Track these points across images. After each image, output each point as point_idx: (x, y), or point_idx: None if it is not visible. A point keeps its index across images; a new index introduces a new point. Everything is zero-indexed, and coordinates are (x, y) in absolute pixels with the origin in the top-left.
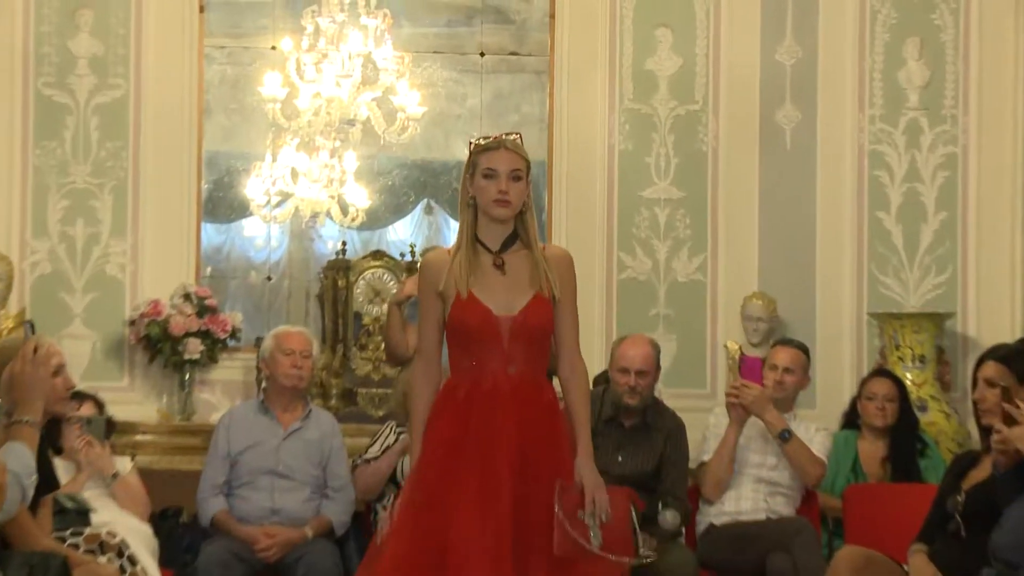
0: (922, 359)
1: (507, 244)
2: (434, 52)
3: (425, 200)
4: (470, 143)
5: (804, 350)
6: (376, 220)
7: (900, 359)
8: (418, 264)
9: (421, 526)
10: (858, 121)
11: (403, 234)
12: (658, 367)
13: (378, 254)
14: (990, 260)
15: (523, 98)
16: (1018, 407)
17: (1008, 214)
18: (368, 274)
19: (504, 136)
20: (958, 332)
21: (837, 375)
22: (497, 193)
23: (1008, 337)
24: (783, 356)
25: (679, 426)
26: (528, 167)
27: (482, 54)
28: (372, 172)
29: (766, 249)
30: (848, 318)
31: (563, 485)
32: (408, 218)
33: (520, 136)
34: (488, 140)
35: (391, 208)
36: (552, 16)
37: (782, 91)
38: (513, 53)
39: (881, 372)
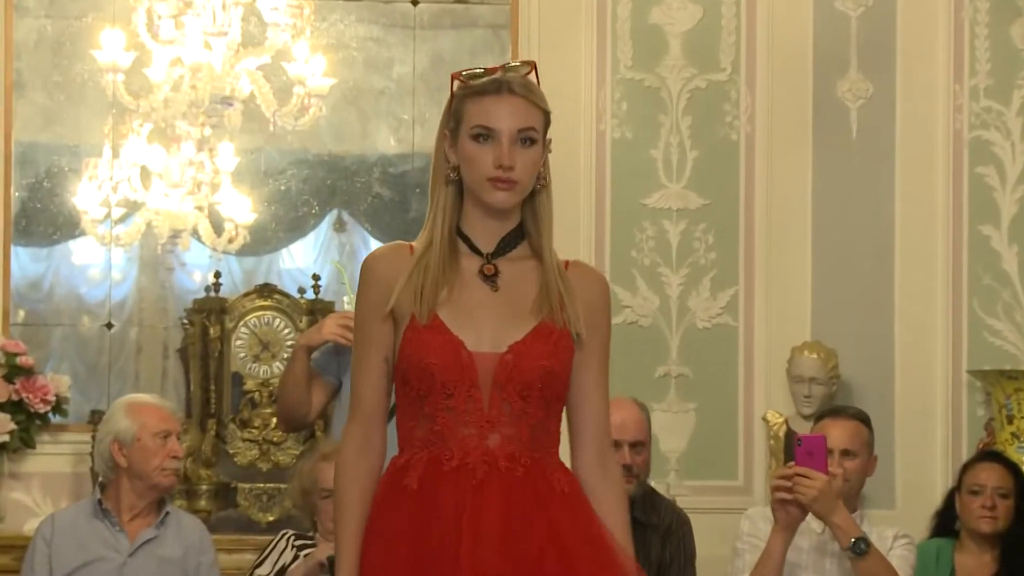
0: None
1: (506, 245)
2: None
3: (335, 212)
4: (453, 79)
5: (864, 420)
6: (264, 242)
7: (1015, 436)
8: (356, 277)
9: None
10: (954, 96)
11: (303, 261)
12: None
13: (267, 290)
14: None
15: (475, 64)
16: None
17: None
18: (252, 319)
19: (508, 70)
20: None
21: (925, 460)
22: (495, 167)
23: None
24: (837, 433)
25: (682, 522)
26: (547, 122)
27: (415, 2)
28: (257, 172)
29: (823, 282)
30: (941, 378)
31: None
32: (310, 237)
33: (535, 69)
34: (482, 76)
35: (285, 224)
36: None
37: (845, 54)
38: (460, 1)
39: (989, 456)
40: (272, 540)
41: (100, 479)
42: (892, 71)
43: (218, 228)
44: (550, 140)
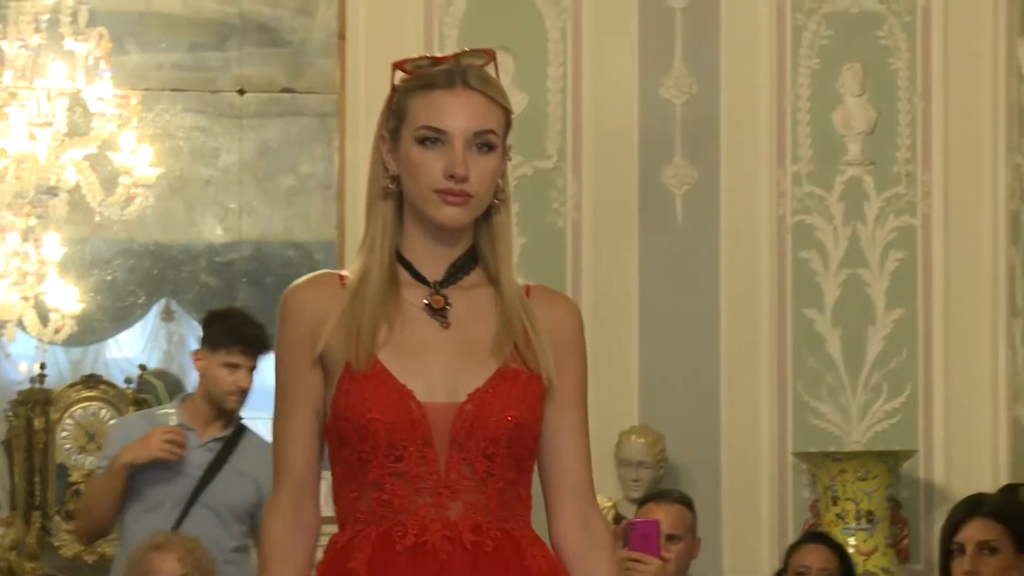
0: (870, 517)
1: (457, 272)
2: (172, 89)
3: (163, 301)
4: (395, 69)
5: (687, 503)
6: (90, 332)
7: (840, 517)
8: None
9: None
10: (777, 182)
11: (130, 351)
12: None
13: (93, 380)
14: (964, 376)
15: (302, 153)
16: None
17: (989, 311)
18: (78, 410)
19: (463, 57)
20: (919, 478)
21: (751, 542)
22: (445, 177)
23: (989, 483)
24: (661, 517)
25: None
26: (508, 124)
27: (241, 91)
28: (83, 263)
29: (650, 366)
30: (767, 460)
31: None
32: (137, 327)
33: (494, 59)
34: (429, 65)
35: (112, 314)
36: (342, 36)
37: (670, 141)
38: (287, 90)
39: (814, 537)
40: None
41: None
42: (716, 157)
43: (44, 318)
44: (510, 146)
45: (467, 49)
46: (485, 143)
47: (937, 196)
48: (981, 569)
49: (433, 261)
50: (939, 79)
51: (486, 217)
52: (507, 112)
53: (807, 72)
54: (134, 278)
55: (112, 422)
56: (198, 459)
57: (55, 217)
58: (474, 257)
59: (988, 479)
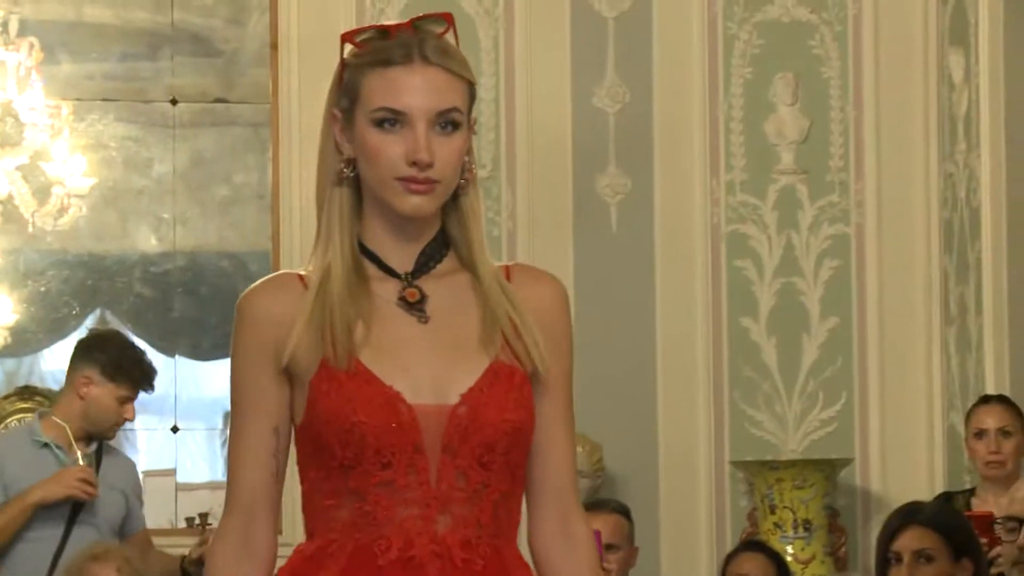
0: (807, 525)
1: (427, 260)
2: (104, 99)
3: (98, 311)
4: (343, 41)
5: (624, 512)
6: (24, 343)
7: (777, 526)
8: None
9: None
10: (711, 191)
11: (65, 361)
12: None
13: (28, 391)
14: (898, 385)
15: (235, 163)
16: None
17: (923, 320)
18: (13, 421)
19: (419, 28)
20: (856, 486)
21: (689, 551)
22: (408, 164)
23: (926, 491)
24: (598, 527)
25: None
26: (472, 97)
27: (174, 101)
28: (17, 273)
29: (585, 375)
30: (704, 469)
31: None
32: (72, 338)
33: (452, 24)
34: (381, 36)
35: (46, 325)
36: (274, 46)
37: (604, 150)
38: (219, 100)
39: (751, 545)
40: None
41: None
42: (650, 166)
43: None
44: (475, 119)
45: (420, 15)
46: (449, 122)
47: (870, 204)
48: None
49: (400, 251)
50: (871, 88)
51: (454, 198)
52: (471, 85)
53: (739, 81)
54: (68, 289)
55: None
56: None
57: None
58: (444, 242)
59: (924, 487)
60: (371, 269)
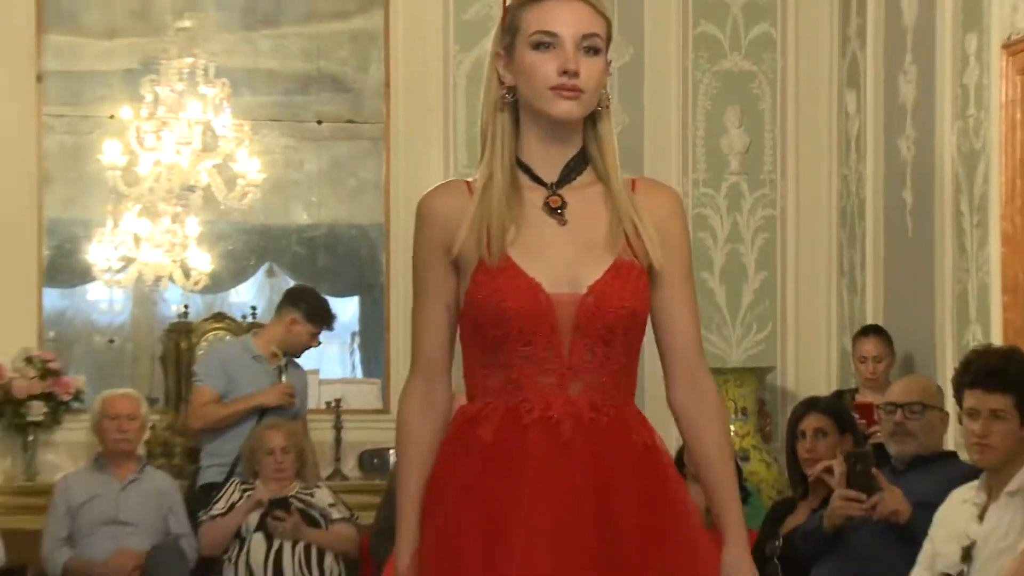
0: (744, 411)
1: (569, 173)
2: (272, 120)
3: (267, 264)
4: None
5: None
6: (218, 284)
7: None
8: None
9: None
10: (682, 185)
11: (245, 297)
12: None
13: (220, 316)
14: (807, 317)
15: (360, 165)
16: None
17: (824, 273)
18: (210, 336)
19: None
20: (778, 385)
21: (665, 426)
22: (559, 74)
23: (824, 389)
24: None
25: None
26: (609, 34)
27: (319, 122)
28: (213, 237)
29: None
30: None
31: None
32: (250, 282)
33: None
34: None
35: (233, 272)
36: (387, 85)
37: None
38: (350, 121)
39: None
40: (225, 486)
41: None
42: (640, 170)
43: (187, 275)
44: (610, 60)
45: None
46: (592, 46)
47: (791, 196)
48: (817, 448)
49: (548, 163)
50: (792, 117)
51: (592, 124)
52: (608, 23)
53: (703, 111)
54: (247, 248)
55: (215, 349)
56: (272, 378)
57: (193, 206)
58: (584, 160)
59: (823, 387)
60: (523, 179)
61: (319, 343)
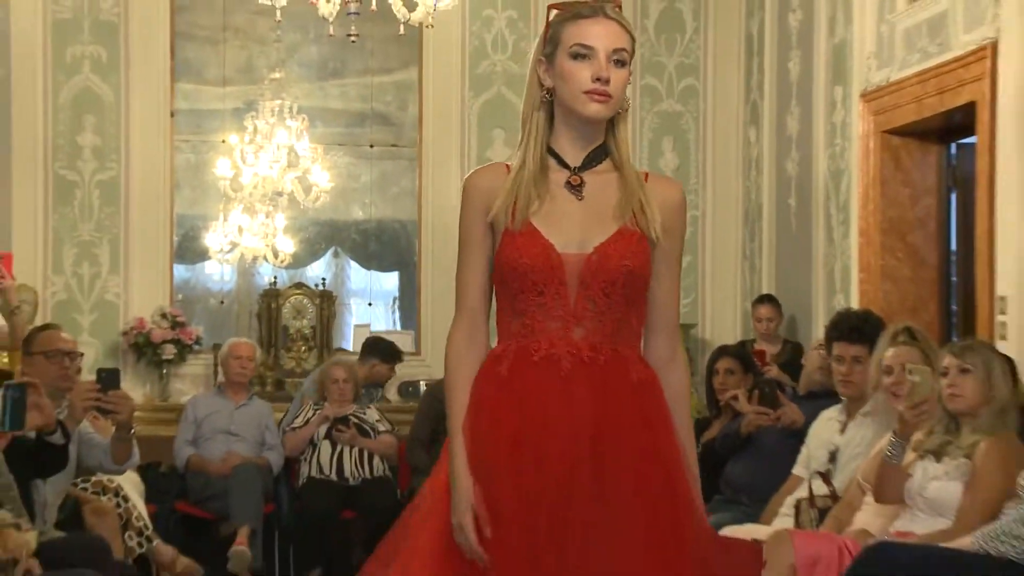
0: None
1: (591, 160)
2: (337, 144)
3: (333, 248)
4: (549, 10)
5: None
6: (298, 262)
7: None
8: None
9: (452, 559)
10: None
11: (317, 272)
12: None
13: (299, 285)
14: (720, 289)
15: (400, 177)
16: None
17: (732, 257)
18: (292, 299)
19: (602, 0)
20: (699, 337)
21: None
22: (592, 80)
23: (732, 339)
24: None
25: None
26: (633, 49)
27: (371, 146)
28: (295, 229)
29: None
30: None
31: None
32: (321, 260)
33: (620, 5)
34: (578, 4)
35: (308, 253)
36: (420, 120)
37: None
38: (393, 145)
39: None
40: (300, 406)
41: (219, 377)
42: None
43: (276, 255)
44: (632, 71)
45: None
46: (620, 59)
47: (708, 202)
48: (727, 382)
49: (575, 152)
50: (710, 145)
51: (612, 123)
52: (633, 40)
53: (647, 140)
54: (318, 236)
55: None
56: None
57: (280, 206)
58: (604, 151)
59: (730, 338)
60: (552, 163)
61: (395, 373)
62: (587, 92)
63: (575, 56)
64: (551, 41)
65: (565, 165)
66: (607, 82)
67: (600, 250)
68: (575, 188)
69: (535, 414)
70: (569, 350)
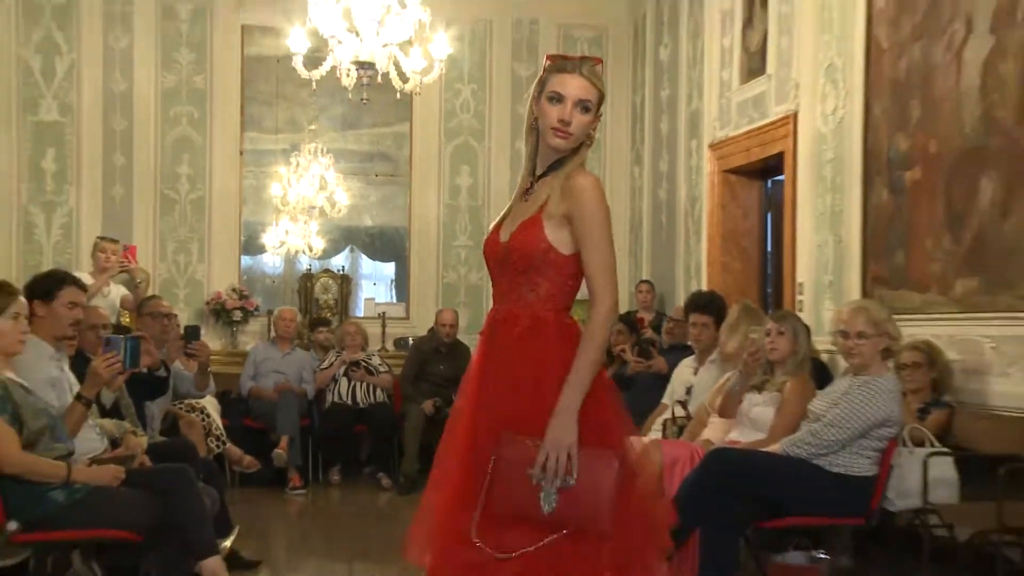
0: (582, 322)
1: (546, 172)
2: (353, 175)
3: (350, 246)
4: (546, 59)
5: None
6: (326, 255)
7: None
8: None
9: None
10: None
11: (339, 262)
12: None
13: (326, 271)
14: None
15: (397, 198)
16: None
17: (623, 255)
18: (321, 280)
19: (582, 59)
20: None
21: None
22: (557, 120)
23: (622, 310)
24: None
25: None
26: (601, 99)
27: (376, 175)
28: (324, 231)
29: None
30: None
31: (510, 437)
32: (341, 254)
33: (601, 63)
34: (564, 61)
35: (333, 249)
36: (410, 159)
37: None
38: (391, 175)
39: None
40: (328, 354)
41: (271, 333)
42: None
43: (311, 250)
44: (602, 114)
45: (584, 55)
46: (585, 107)
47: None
48: (619, 340)
49: (543, 166)
50: (609, 178)
51: (576, 149)
52: (601, 93)
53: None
54: (341, 237)
55: None
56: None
57: (314, 216)
58: (561, 164)
59: (622, 309)
60: (528, 178)
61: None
62: (553, 128)
63: (551, 99)
64: (540, 83)
65: (532, 176)
66: (568, 124)
67: (510, 240)
68: (527, 193)
69: (472, 366)
70: (496, 317)
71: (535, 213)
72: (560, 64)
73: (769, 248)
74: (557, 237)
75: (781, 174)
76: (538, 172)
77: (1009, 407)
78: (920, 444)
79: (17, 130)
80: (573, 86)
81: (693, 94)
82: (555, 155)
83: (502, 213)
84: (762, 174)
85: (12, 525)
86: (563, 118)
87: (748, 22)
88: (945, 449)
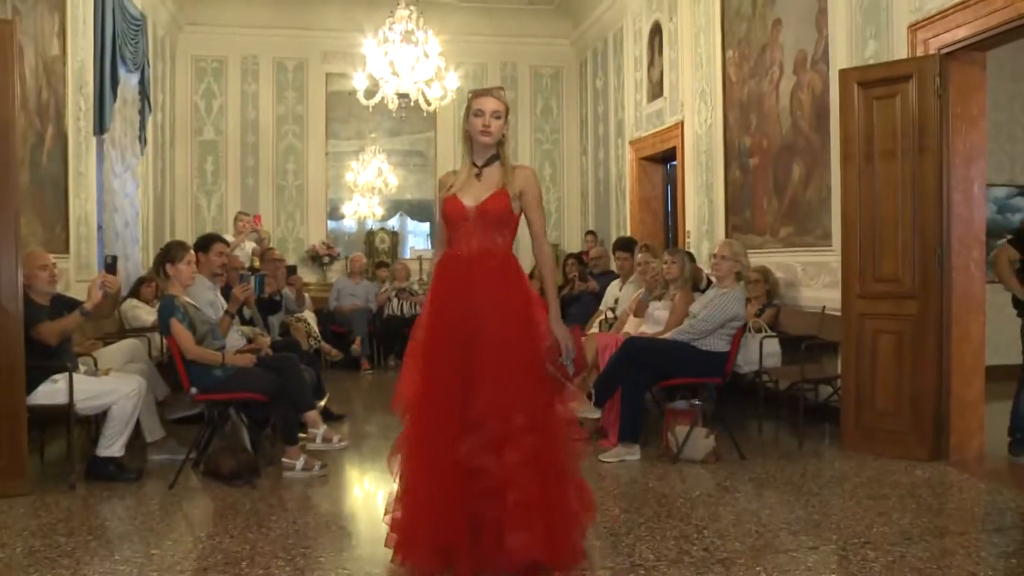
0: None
1: (487, 163)
2: (400, 166)
3: (399, 212)
4: (469, 93)
5: None
6: (384, 218)
7: None
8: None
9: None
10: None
11: (392, 224)
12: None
13: (383, 229)
14: (570, 227)
15: (428, 180)
16: None
17: (576, 214)
18: (380, 235)
19: (492, 88)
20: (561, 249)
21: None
22: (481, 126)
23: (575, 249)
24: None
25: None
26: (507, 110)
27: (414, 166)
28: (383, 203)
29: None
30: None
31: (548, 347)
32: (394, 218)
33: (504, 90)
34: (480, 90)
35: (388, 214)
36: (435, 155)
37: None
38: (423, 165)
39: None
40: (385, 285)
41: (348, 269)
42: None
43: (374, 214)
44: (508, 123)
45: (495, 87)
46: (497, 115)
47: (565, 188)
48: (571, 270)
49: (480, 159)
50: (565, 164)
51: (500, 144)
52: (506, 107)
53: (538, 163)
54: (394, 206)
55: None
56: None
57: (377, 193)
58: (496, 158)
59: (575, 248)
60: (472, 167)
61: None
62: (480, 131)
63: (474, 114)
64: (468, 106)
65: (476, 165)
66: (488, 127)
67: (484, 203)
68: (477, 175)
69: (451, 280)
70: (469, 252)
71: (501, 188)
72: (479, 91)
73: (669, 208)
74: (514, 205)
75: (675, 160)
76: (479, 163)
77: (810, 306)
78: (759, 331)
79: (189, 146)
80: (487, 102)
81: (618, 109)
82: (486, 150)
83: (453, 187)
84: (663, 160)
85: (193, 390)
86: (485, 124)
87: (651, 63)
88: (773, 333)
